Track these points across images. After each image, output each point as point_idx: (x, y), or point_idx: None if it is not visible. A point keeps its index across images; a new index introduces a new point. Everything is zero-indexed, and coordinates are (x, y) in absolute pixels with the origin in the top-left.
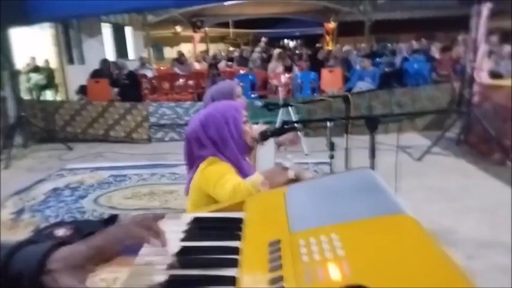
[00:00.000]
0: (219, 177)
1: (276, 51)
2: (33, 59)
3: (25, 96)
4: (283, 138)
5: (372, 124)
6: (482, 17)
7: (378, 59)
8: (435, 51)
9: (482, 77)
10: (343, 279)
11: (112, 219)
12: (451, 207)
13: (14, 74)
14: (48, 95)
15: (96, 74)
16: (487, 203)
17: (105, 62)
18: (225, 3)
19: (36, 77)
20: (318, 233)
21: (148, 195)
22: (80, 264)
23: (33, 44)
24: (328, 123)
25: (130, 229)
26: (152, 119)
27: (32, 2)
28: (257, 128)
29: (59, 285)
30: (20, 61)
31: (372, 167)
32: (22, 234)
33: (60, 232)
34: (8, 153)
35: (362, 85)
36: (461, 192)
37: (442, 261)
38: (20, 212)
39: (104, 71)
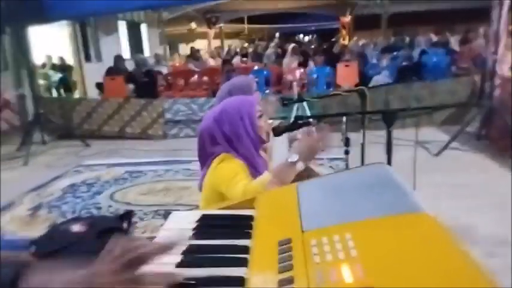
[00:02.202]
0: (231, 177)
1: (290, 46)
2: (49, 57)
3: (44, 94)
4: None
5: (389, 119)
6: (503, 9)
7: (395, 53)
8: (454, 44)
9: (504, 69)
10: (356, 282)
11: (127, 215)
12: (470, 203)
13: (32, 72)
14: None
15: (111, 71)
16: (507, 199)
17: (119, 58)
18: None
19: (54, 75)
20: (330, 232)
21: (163, 191)
22: None
23: (51, 42)
24: (344, 118)
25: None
26: (167, 115)
27: (49, 0)
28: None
29: None
30: (38, 59)
31: (389, 162)
32: (39, 229)
33: (76, 228)
34: (27, 150)
35: (379, 79)
36: (481, 189)
37: (463, 261)
38: (37, 208)
39: (119, 68)
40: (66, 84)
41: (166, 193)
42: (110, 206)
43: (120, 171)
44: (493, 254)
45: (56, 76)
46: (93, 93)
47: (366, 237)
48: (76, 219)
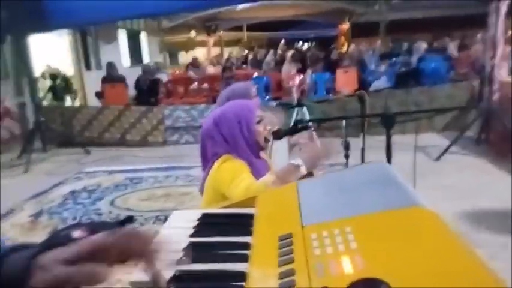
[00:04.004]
0: (233, 177)
1: (290, 53)
2: (48, 66)
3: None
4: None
5: (388, 122)
6: (500, 14)
7: (394, 59)
8: (453, 50)
9: (503, 74)
10: (356, 273)
11: (128, 221)
12: (471, 206)
13: (33, 80)
14: (67, 101)
15: (107, 80)
16: (507, 203)
17: (110, 65)
18: (239, 7)
19: (44, 82)
20: (330, 227)
21: (164, 197)
22: (75, 258)
23: (51, 50)
24: (344, 122)
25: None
26: (167, 122)
27: (50, 9)
28: (270, 117)
29: (53, 273)
30: (38, 67)
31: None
32: (40, 235)
33: (77, 233)
34: (28, 157)
35: (378, 84)
36: (481, 192)
37: (463, 254)
38: (38, 215)
39: (113, 76)
40: (55, 92)
41: (167, 199)
42: (111, 212)
43: (120, 178)
44: (495, 257)
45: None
46: (93, 101)
47: (365, 231)
48: (77, 225)
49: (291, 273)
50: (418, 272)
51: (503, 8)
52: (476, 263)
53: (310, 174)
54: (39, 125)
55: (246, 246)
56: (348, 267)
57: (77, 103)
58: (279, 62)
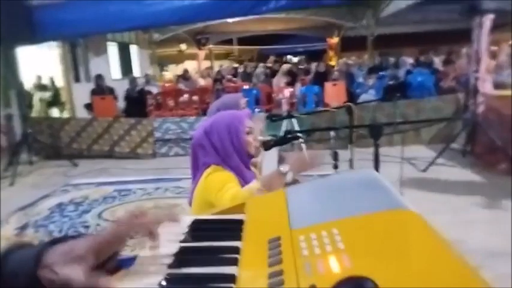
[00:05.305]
0: (220, 186)
1: (285, 66)
2: (39, 77)
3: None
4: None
5: (376, 132)
6: (484, 29)
7: (381, 73)
8: (438, 64)
9: (487, 87)
10: (343, 271)
11: None
12: (458, 218)
13: (21, 92)
14: (55, 113)
15: (96, 92)
16: (493, 213)
17: (99, 77)
18: (229, 21)
19: (41, 94)
20: (318, 229)
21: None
22: (80, 257)
23: (40, 62)
24: (332, 133)
25: (131, 222)
26: (157, 134)
27: (40, 21)
28: (259, 126)
29: (59, 277)
30: (27, 80)
31: None
32: None
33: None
34: (14, 170)
35: (366, 98)
36: (467, 203)
37: (444, 252)
38: (24, 228)
39: (102, 87)
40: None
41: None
42: (98, 225)
43: (108, 190)
44: (482, 266)
45: (44, 95)
46: (82, 113)
47: (352, 232)
48: (64, 238)
49: (280, 273)
50: (403, 270)
51: (487, 23)
52: (458, 262)
53: (295, 182)
54: (26, 137)
55: (235, 250)
56: (335, 266)
57: (65, 115)
58: (269, 75)
